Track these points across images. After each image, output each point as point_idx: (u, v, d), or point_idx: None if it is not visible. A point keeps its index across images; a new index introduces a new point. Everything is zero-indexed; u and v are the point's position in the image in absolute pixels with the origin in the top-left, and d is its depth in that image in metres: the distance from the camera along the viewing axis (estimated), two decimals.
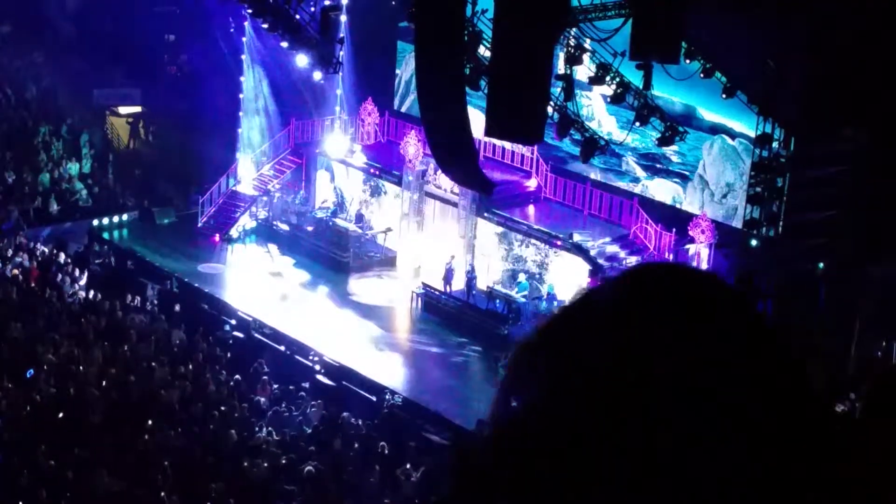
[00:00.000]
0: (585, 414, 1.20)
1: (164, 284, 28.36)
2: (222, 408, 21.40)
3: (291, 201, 32.26)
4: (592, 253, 26.39)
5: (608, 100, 25.75)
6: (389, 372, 24.50)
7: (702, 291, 1.28)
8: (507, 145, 29.26)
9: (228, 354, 24.29)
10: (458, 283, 27.84)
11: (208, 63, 34.32)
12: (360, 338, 26.02)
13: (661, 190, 28.35)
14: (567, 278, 26.93)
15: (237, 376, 23.19)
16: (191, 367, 23.06)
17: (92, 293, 26.53)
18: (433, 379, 24.76)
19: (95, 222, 31.38)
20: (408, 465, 20.03)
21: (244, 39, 33.00)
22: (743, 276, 24.98)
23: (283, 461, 19.80)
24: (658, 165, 28.34)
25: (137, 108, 36.85)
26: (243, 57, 33.14)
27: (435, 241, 29.30)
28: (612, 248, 26.78)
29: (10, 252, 27.71)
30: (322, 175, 32.74)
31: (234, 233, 31.55)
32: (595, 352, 1.22)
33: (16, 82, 35.30)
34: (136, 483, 18.23)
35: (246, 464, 19.31)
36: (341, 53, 28.14)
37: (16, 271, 26.70)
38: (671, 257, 26.19)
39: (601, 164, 28.55)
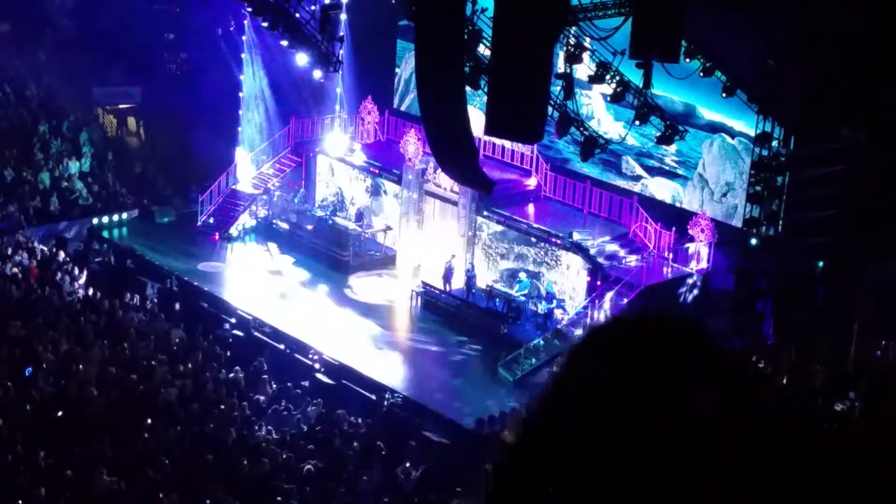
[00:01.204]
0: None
1: (163, 283, 28.36)
2: (222, 406, 21.40)
3: (291, 199, 32.26)
4: (592, 252, 26.38)
5: (608, 98, 25.74)
6: (389, 370, 24.50)
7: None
8: (507, 144, 29.26)
9: (228, 353, 24.29)
10: (458, 282, 27.85)
11: (208, 61, 34.32)
12: (359, 336, 26.02)
13: (661, 189, 28.36)
14: (567, 277, 26.95)
15: (238, 370, 23.23)
16: (190, 365, 23.06)
17: (91, 291, 26.53)
18: (433, 377, 24.76)
19: (95, 221, 31.38)
20: (407, 464, 20.04)
21: (244, 38, 33.00)
22: (742, 275, 25.00)
23: (282, 460, 19.81)
24: (658, 164, 28.34)
25: (129, 106, 36.87)
26: (243, 55, 33.14)
27: (435, 239, 29.29)
28: (612, 247, 26.79)
29: (9, 250, 27.71)
30: (322, 161, 32.56)
31: (233, 231, 31.54)
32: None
33: (15, 80, 35.28)
34: (135, 482, 18.23)
35: (245, 463, 19.31)
36: (341, 52, 28.12)
37: (15, 269, 26.70)
38: (671, 256, 26.21)
39: (600, 163, 28.56)
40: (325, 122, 32.88)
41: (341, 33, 28.77)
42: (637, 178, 28.72)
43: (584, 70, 24.55)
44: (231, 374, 23.22)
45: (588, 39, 23.45)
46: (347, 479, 19.43)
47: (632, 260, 26.36)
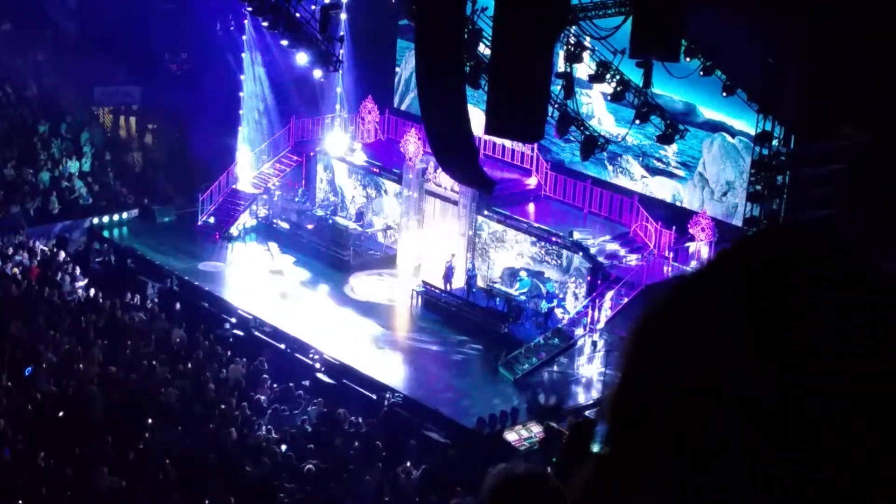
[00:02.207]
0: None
1: (164, 283, 28.37)
2: (222, 406, 21.41)
3: (291, 199, 32.28)
4: (593, 251, 26.39)
5: (608, 98, 25.74)
6: (389, 370, 24.51)
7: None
8: (508, 143, 29.27)
9: (229, 353, 24.30)
10: (459, 282, 27.86)
11: (208, 61, 34.32)
12: (360, 336, 26.03)
13: (661, 188, 28.35)
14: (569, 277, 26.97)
15: (238, 361, 23.27)
16: (191, 365, 23.07)
17: (92, 291, 26.54)
18: (433, 377, 24.77)
19: (96, 220, 31.38)
20: (408, 463, 20.04)
21: (244, 38, 32.99)
22: None
23: (283, 459, 19.82)
24: (658, 163, 28.34)
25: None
26: (243, 55, 33.13)
27: (435, 239, 29.30)
28: (613, 246, 26.78)
29: (10, 250, 27.72)
30: (333, 173, 32.67)
31: (234, 231, 31.55)
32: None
33: (16, 80, 35.28)
34: (136, 481, 18.24)
35: (246, 462, 19.32)
36: (341, 51, 28.14)
37: (16, 269, 26.71)
38: (671, 255, 26.21)
39: (600, 162, 28.57)
40: (326, 121, 32.88)
41: (341, 33, 28.79)
42: (638, 178, 28.72)
43: (584, 69, 24.55)
44: (232, 365, 23.26)
45: (588, 38, 23.46)
46: (348, 478, 19.43)
47: (632, 259, 26.36)
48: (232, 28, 34.34)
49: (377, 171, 31.20)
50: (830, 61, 21.85)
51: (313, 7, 26.52)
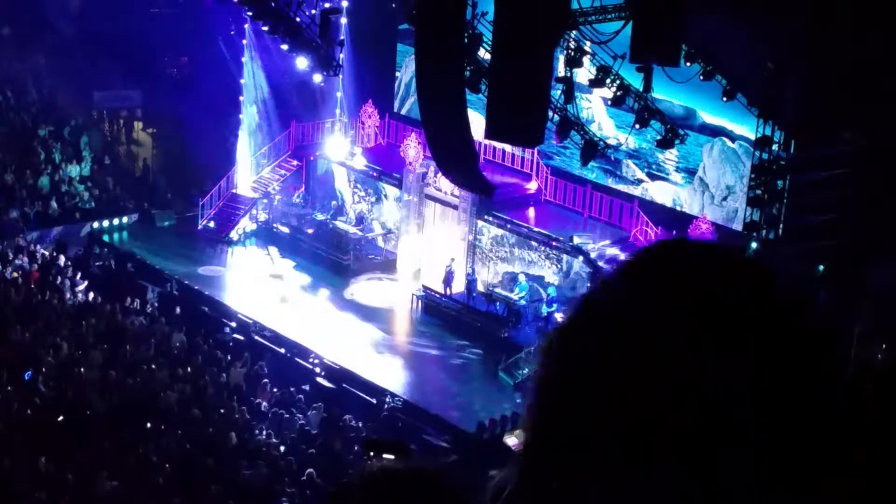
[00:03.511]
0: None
1: (164, 287, 28.36)
2: (222, 410, 21.40)
3: (291, 203, 32.27)
4: (593, 255, 26.39)
5: (608, 102, 25.74)
6: (389, 374, 24.50)
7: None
8: (508, 148, 29.26)
9: (229, 357, 24.29)
10: (459, 286, 27.85)
11: (208, 65, 34.31)
12: (360, 340, 26.02)
13: (662, 192, 28.35)
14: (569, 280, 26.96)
15: (239, 364, 23.23)
16: (190, 369, 23.05)
17: (92, 295, 26.52)
18: (433, 381, 24.76)
19: (95, 225, 31.37)
20: None
21: (244, 42, 32.99)
22: None
23: (283, 464, 19.81)
24: (658, 168, 28.34)
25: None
26: (243, 59, 33.13)
27: (435, 243, 29.30)
28: (613, 251, 26.77)
29: (10, 254, 27.71)
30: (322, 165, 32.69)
31: (234, 235, 31.54)
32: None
33: (16, 84, 35.28)
34: (135, 485, 18.22)
35: (245, 466, 19.30)
36: (341, 56, 28.15)
37: (16, 274, 26.69)
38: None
39: (601, 166, 28.56)
40: (326, 125, 32.88)
41: (341, 37, 28.80)
42: (637, 182, 28.72)
43: (584, 74, 24.56)
44: (232, 370, 23.24)
45: (588, 43, 23.47)
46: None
47: None
48: (232, 32, 34.32)
49: (377, 175, 31.20)
50: (830, 66, 21.85)
51: (313, 11, 26.53)
